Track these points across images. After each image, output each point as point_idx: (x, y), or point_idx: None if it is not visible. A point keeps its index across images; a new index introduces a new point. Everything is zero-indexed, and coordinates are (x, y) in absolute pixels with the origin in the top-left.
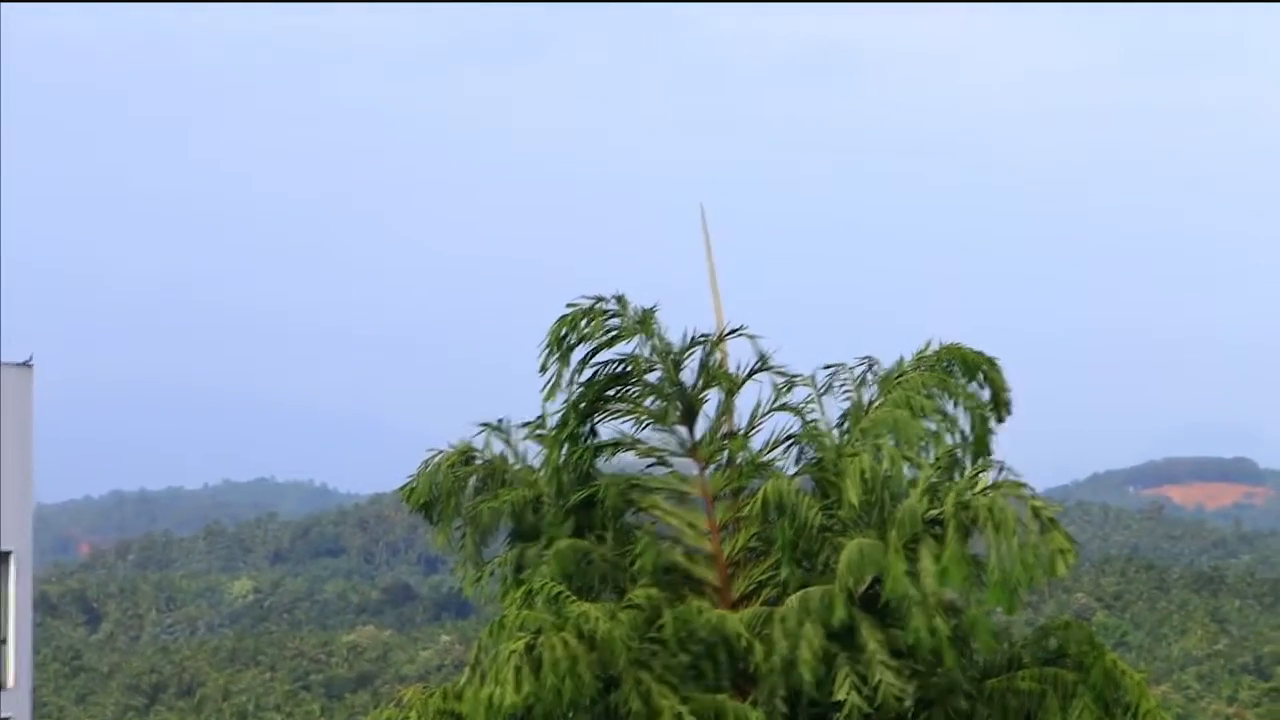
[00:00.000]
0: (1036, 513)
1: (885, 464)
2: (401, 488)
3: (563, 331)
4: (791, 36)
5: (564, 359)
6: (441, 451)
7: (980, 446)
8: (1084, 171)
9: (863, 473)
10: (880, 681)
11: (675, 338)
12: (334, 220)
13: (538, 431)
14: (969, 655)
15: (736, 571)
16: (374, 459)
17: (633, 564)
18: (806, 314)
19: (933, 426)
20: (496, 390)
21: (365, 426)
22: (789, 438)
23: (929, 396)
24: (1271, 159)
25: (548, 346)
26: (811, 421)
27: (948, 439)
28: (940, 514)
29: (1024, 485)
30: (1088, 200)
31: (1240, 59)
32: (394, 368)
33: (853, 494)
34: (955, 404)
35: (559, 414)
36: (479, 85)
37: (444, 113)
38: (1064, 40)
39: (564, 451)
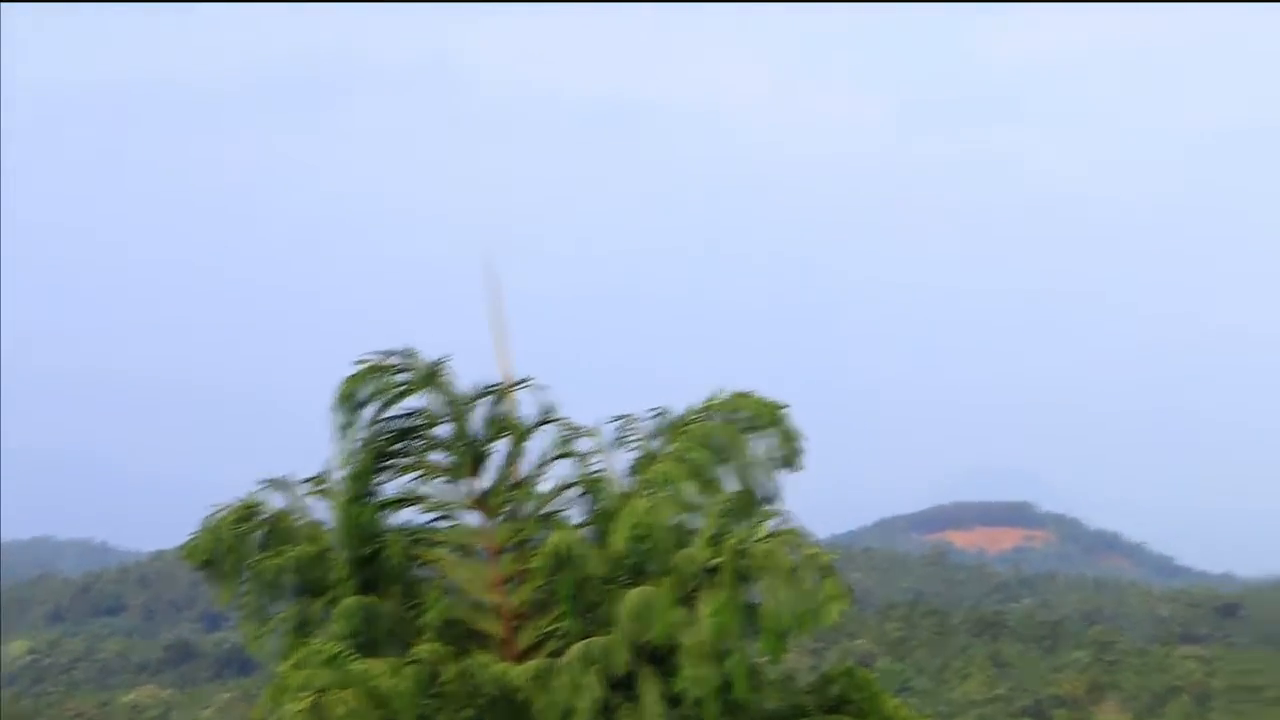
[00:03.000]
0: (813, 560)
1: (662, 513)
2: (183, 545)
3: (352, 390)
4: (573, 97)
5: (353, 417)
6: (224, 507)
7: (763, 494)
8: (858, 227)
9: (634, 522)
10: None
11: (464, 392)
12: (110, 267)
13: (320, 488)
14: (753, 704)
15: (522, 624)
16: (156, 514)
17: (419, 619)
18: (594, 375)
19: (716, 475)
20: (279, 440)
21: (146, 481)
22: (568, 485)
23: (713, 446)
24: (1046, 213)
25: (338, 404)
26: (596, 472)
27: (731, 487)
28: (720, 562)
29: (802, 533)
30: (866, 255)
31: (1016, 112)
32: (174, 419)
33: (619, 541)
34: (741, 452)
35: (346, 477)
36: (265, 141)
37: (231, 164)
38: (848, 92)
39: (350, 514)
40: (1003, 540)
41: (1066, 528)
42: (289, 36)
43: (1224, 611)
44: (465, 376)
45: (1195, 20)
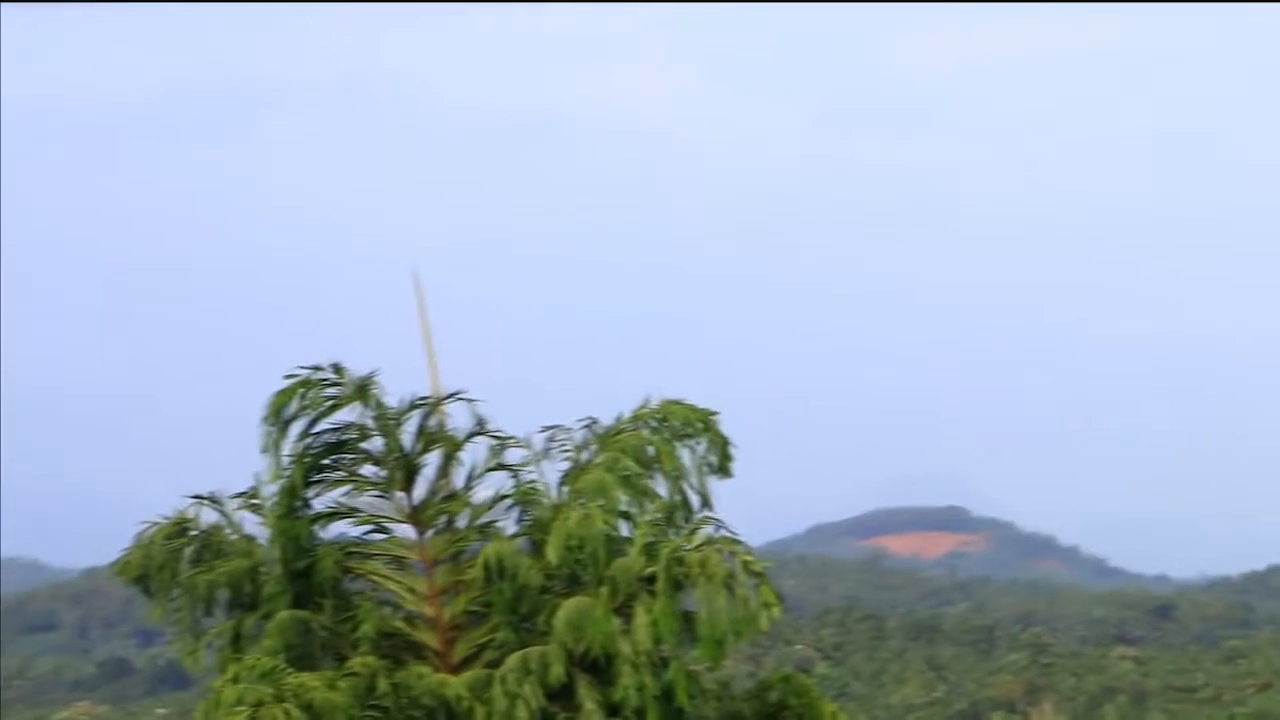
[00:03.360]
0: (748, 567)
1: (596, 523)
2: (115, 561)
3: (282, 404)
4: (499, 108)
5: (283, 432)
6: (155, 523)
7: (696, 503)
8: (786, 235)
9: (567, 532)
10: None
11: (394, 405)
12: (37, 282)
13: (252, 502)
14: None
15: (458, 635)
16: (88, 531)
17: (354, 631)
18: (524, 387)
19: (649, 484)
20: (210, 455)
21: (78, 498)
22: (503, 497)
23: (644, 455)
24: (977, 222)
25: (268, 419)
26: (528, 482)
27: (664, 496)
28: (656, 570)
29: (737, 541)
30: (799, 266)
31: (945, 121)
32: (105, 435)
33: (552, 552)
34: (672, 460)
35: (277, 492)
36: (188, 154)
37: (154, 177)
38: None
39: (283, 528)
40: (937, 545)
41: (1000, 532)
42: (210, 52)
43: (1158, 612)
44: (395, 390)
45: (1131, 28)
